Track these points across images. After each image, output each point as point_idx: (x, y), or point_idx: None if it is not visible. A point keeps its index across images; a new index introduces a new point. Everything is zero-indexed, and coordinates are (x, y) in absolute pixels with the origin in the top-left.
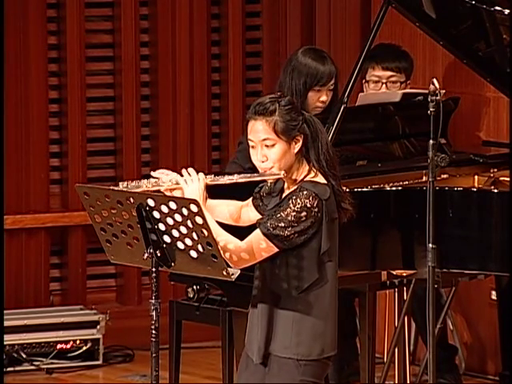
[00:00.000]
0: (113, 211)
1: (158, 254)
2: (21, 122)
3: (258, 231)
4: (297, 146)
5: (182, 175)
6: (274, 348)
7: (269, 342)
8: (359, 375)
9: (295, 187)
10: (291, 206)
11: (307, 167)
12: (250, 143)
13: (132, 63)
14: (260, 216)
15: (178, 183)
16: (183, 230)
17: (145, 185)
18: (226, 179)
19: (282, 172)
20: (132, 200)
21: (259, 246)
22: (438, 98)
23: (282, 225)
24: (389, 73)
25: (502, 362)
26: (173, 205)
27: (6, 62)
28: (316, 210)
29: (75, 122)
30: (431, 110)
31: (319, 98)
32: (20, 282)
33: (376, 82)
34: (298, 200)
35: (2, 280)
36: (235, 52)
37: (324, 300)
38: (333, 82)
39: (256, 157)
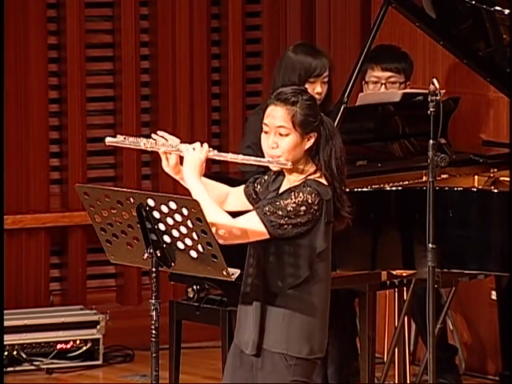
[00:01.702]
0: (113, 211)
1: (158, 254)
2: (21, 122)
3: (254, 213)
4: (308, 143)
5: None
6: (266, 342)
7: (262, 334)
8: (359, 375)
9: (298, 183)
10: (292, 197)
11: (314, 167)
12: (265, 128)
13: (132, 63)
14: (249, 205)
15: (178, 149)
16: (183, 229)
17: (143, 143)
18: (228, 157)
19: (289, 163)
20: (132, 200)
21: (252, 227)
22: (438, 98)
23: (280, 213)
24: (388, 73)
25: (502, 362)
26: (173, 205)
27: (6, 62)
28: (315, 207)
29: (75, 121)
30: (431, 110)
31: (314, 90)
32: (20, 282)
33: (375, 82)
34: (301, 194)
35: (2, 280)
36: (235, 52)
37: (315, 299)
38: (327, 73)
39: (267, 142)
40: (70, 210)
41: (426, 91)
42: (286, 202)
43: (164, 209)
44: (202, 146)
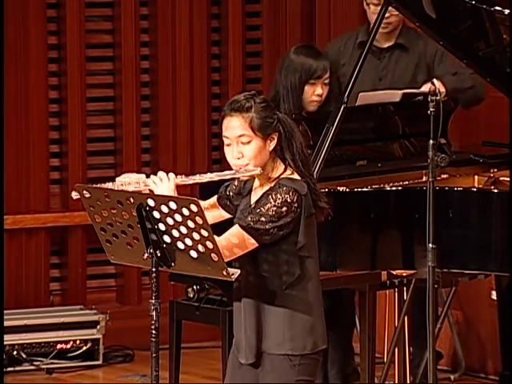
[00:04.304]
0: (113, 211)
1: (158, 254)
2: (21, 122)
3: (237, 227)
4: (272, 144)
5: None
6: (266, 346)
7: (260, 341)
8: (358, 375)
9: (272, 184)
10: (271, 201)
11: (282, 166)
12: (226, 141)
13: (132, 63)
14: (225, 215)
15: (146, 184)
16: (183, 230)
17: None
18: (197, 178)
19: (259, 169)
20: (132, 200)
21: (239, 241)
22: (438, 98)
23: (263, 219)
24: None
25: (502, 362)
26: (173, 205)
27: (6, 62)
28: (296, 205)
29: (75, 121)
30: (431, 110)
31: (314, 92)
32: (20, 282)
33: (376, 5)
34: (279, 195)
35: (2, 280)
36: (235, 52)
37: (309, 295)
38: (327, 75)
39: (231, 154)
40: (69, 210)
41: (426, 91)
42: (266, 208)
43: (164, 209)
44: (167, 175)
